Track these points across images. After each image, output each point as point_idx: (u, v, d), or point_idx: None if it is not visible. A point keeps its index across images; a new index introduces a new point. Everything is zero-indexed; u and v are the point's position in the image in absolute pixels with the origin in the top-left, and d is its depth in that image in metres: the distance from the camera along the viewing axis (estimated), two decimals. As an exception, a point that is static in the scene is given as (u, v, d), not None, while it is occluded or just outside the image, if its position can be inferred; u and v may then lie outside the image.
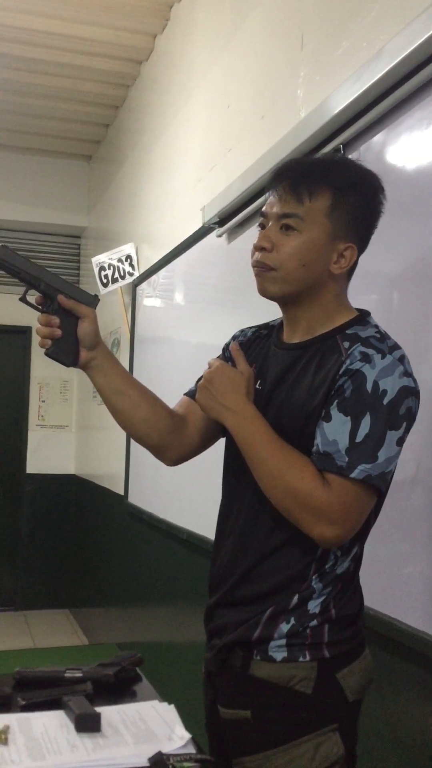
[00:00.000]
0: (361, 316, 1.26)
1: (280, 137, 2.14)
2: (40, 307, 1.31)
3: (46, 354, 1.30)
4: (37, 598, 5.62)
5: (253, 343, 1.38)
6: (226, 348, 1.43)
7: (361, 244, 1.25)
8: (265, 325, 1.40)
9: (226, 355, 1.39)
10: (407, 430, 1.18)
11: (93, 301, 1.32)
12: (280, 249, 1.22)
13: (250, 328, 1.42)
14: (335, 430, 1.14)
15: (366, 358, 1.15)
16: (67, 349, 1.30)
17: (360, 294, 1.67)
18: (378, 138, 1.73)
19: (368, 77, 1.65)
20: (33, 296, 1.32)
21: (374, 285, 1.70)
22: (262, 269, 1.24)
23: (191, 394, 1.42)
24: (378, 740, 1.64)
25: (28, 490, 5.68)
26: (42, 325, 1.30)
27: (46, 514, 5.70)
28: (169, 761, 1.00)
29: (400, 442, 1.17)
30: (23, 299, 1.32)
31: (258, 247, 1.24)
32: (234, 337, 1.42)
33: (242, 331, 1.43)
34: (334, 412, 1.15)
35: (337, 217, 1.21)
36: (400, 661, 1.59)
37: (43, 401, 5.72)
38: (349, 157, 1.81)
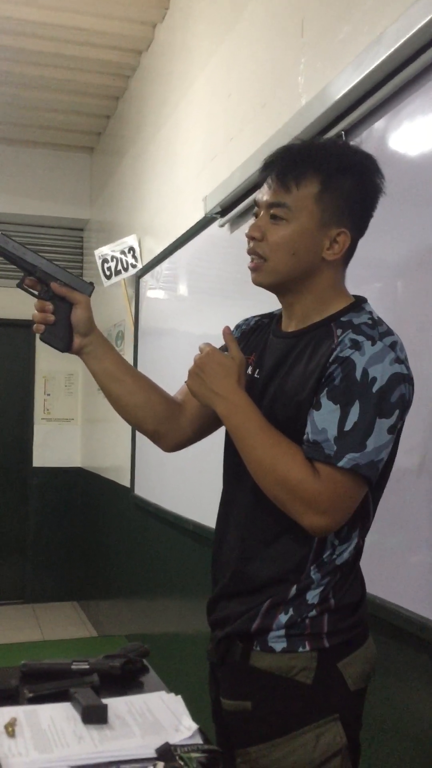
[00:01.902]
0: (356, 303, 1.25)
1: (282, 125, 2.13)
2: (36, 293, 1.34)
3: (40, 339, 1.34)
4: (45, 591, 5.64)
5: (255, 332, 1.38)
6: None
7: (357, 228, 1.23)
8: (268, 315, 1.40)
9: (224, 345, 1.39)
10: (401, 418, 1.17)
11: (87, 288, 1.35)
12: (269, 239, 1.21)
13: (254, 317, 1.42)
14: (324, 419, 1.14)
15: (356, 345, 1.14)
16: (60, 335, 1.33)
17: (364, 283, 1.66)
18: (380, 124, 1.72)
19: (369, 63, 1.64)
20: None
21: (378, 273, 1.69)
22: (253, 259, 1.24)
23: None
24: (383, 728, 1.64)
25: (35, 484, 5.69)
26: (37, 311, 1.33)
27: (53, 508, 5.72)
28: (177, 752, 1.00)
29: (392, 430, 1.15)
30: (20, 285, 1.35)
31: (249, 237, 1.24)
32: (237, 326, 1.42)
33: (246, 320, 1.42)
34: (324, 400, 1.14)
35: (326, 202, 1.19)
36: (406, 649, 1.59)
37: (49, 395, 5.73)
38: (350, 143, 1.80)
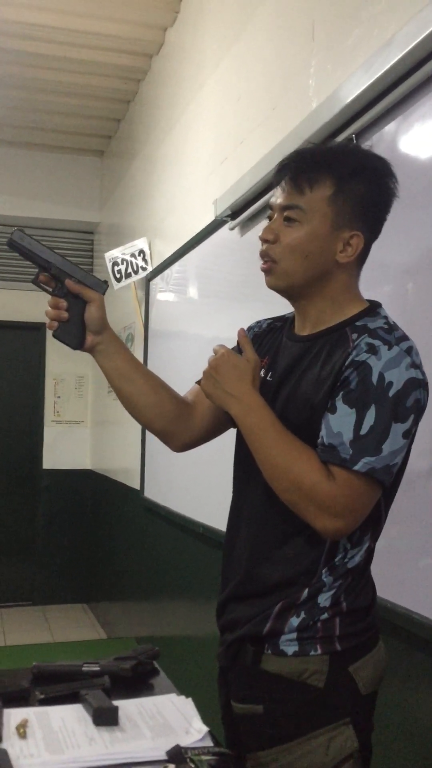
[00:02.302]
0: (371, 308, 1.24)
1: (292, 128, 2.13)
2: (50, 289, 1.34)
3: (53, 335, 1.34)
4: (55, 593, 5.66)
5: (268, 335, 1.38)
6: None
7: (370, 231, 1.23)
8: (281, 318, 1.40)
9: (239, 347, 1.39)
10: (416, 423, 1.17)
11: (101, 286, 1.35)
12: (283, 241, 1.22)
13: (266, 319, 1.42)
14: (340, 422, 1.14)
15: (372, 350, 1.14)
16: (73, 332, 1.34)
17: (374, 285, 1.65)
18: (390, 127, 1.71)
19: (380, 66, 1.63)
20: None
21: (388, 276, 1.69)
22: (266, 262, 1.24)
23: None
24: (394, 732, 1.64)
25: (45, 486, 5.71)
26: (51, 308, 1.33)
27: (62, 510, 5.73)
28: (187, 754, 1.00)
29: (407, 434, 1.15)
30: (35, 281, 1.36)
31: (262, 239, 1.24)
32: (249, 329, 1.42)
33: (258, 322, 1.43)
34: (339, 404, 1.14)
35: (339, 205, 1.19)
36: (417, 653, 1.59)
37: (59, 397, 5.74)
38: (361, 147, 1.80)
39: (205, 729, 1.08)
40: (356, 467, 1.12)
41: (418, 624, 1.53)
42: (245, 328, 1.37)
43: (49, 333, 6.06)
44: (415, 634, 1.55)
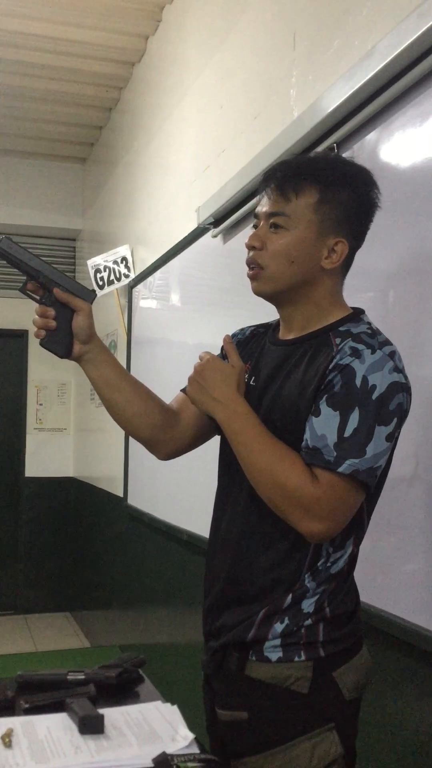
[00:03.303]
0: (355, 314, 1.26)
1: (274, 137, 2.15)
2: (38, 298, 1.34)
3: (41, 344, 1.34)
4: (38, 602, 5.62)
5: (251, 341, 1.39)
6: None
7: (355, 239, 1.25)
8: (264, 325, 1.41)
9: (223, 353, 1.40)
10: (398, 426, 1.18)
11: (89, 295, 1.35)
12: (269, 247, 1.23)
13: (249, 327, 1.43)
14: (324, 425, 1.14)
15: (356, 353, 1.15)
16: (60, 341, 1.34)
17: (357, 292, 1.67)
18: (371, 136, 1.73)
19: (361, 76, 1.65)
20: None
21: (370, 282, 1.70)
22: (253, 268, 1.26)
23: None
24: (379, 737, 1.65)
25: (27, 494, 5.68)
26: (38, 316, 1.33)
27: (45, 518, 5.70)
28: (173, 761, 1.00)
29: (390, 437, 1.16)
30: (22, 290, 1.36)
31: (249, 246, 1.26)
32: (233, 336, 1.43)
33: (241, 329, 1.44)
34: (323, 406, 1.15)
35: (325, 212, 1.21)
36: (401, 658, 1.60)
37: (41, 404, 5.72)
38: (343, 155, 1.82)
39: (191, 736, 1.08)
40: (340, 469, 1.13)
41: (402, 628, 1.54)
42: (230, 335, 1.38)
43: (31, 340, 6.03)
44: (399, 638, 1.56)
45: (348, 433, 1.13)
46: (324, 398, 1.15)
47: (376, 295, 1.70)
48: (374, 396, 1.13)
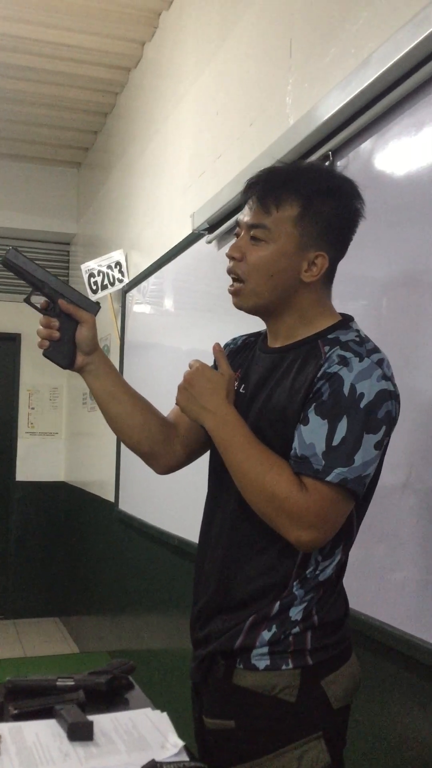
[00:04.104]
0: (343, 321, 1.26)
1: (269, 144, 2.15)
2: (43, 309, 1.36)
3: (44, 354, 1.36)
4: (27, 607, 5.59)
5: (242, 350, 1.39)
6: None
7: (335, 251, 1.25)
8: (256, 333, 1.41)
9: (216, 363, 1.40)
10: (387, 434, 1.18)
11: (93, 307, 1.37)
12: (249, 260, 1.23)
13: (242, 336, 1.43)
14: (312, 434, 1.14)
15: (344, 362, 1.15)
16: (63, 352, 1.35)
17: (349, 300, 1.68)
18: (366, 145, 1.74)
19: (356, 85, 1.66)
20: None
21: (363, 291, 1.71)
22: (234, 282, 1.26)
23: None
24: (368, 745, 1.64)
25: (18, 498, 5.66)
26: (42, 327, 1.34)
27: (35, 522, 5.68)
28: (163, 769, 0.99)
29: (379, 445, 1.16)
30: (27, 300, 1.39)
31: (229, 256, 1.26)
32: (226, 345, 1.43)
33: (234, 339, 1.44)
34: (312, 415, 1.15)
35: (305, 225, 1.21)
36: (391, 666, 1.59)
37: (33, 408, 5.70)
38: (337, 164, 1.82)
39: (180, 743, 1.08)
40: (328, 478, 1.12)
41: (392, 636, 1.54)
42: (222, 345, 1.38)
43: (24, 343, 6.02)
44: (389, 646, 1.56)
45: (336, 441, 1.13)
46: (312, 407, 1.15)
47: (370, 304, 1.70)
48: (362, 404, 1.13)
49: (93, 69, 4.06)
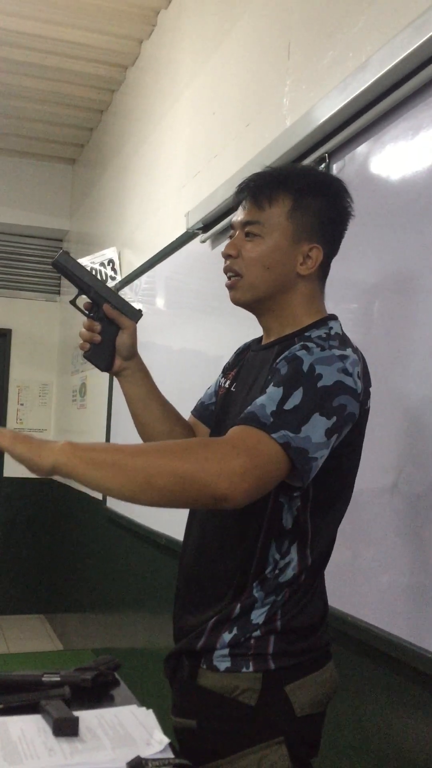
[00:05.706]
0: (323, 319, 1.25)
1: (265, 145, 2.16)
2: (87, 312, 1.40)
3: (84, 356, 1.40)
4: (12, 603, 5.57)
5: (243, 351, 1.42)
6: (226, 367, 1.44)
7: (329, 246, 1.26)
8: (259, 338, 1.42)
9: (227, 365, 1.44)
10: (339, 427, 1.11)
11: (136, 315, 1.41)
12: (244, 255, 1.25)
13: (249, 341, 1.44)
14: (265, 398, 1.09)
15: (305, 348, 1.13)
16: (103, 355, 1.40)
17: (342, 303, 1.68)
18: (363, 148, 1.75)
19: (354, 88, 1.67)
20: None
21: (356, 294, 1.71)
22: (231, 277, 1.27)
23: (196, 412, 1.47)
24: (353, 748, 1.65)
25: (5, 494, 5.64)
26: (85, 329, 1.38)
27: (22, 519, 5.66)
28: (148, 765, 0.99)
29: (330, 433, 1.09)
30: (73, 302, 1.43)
31: (225, 255, 1.27)
32: (235, 352, 1.45)
33: (243, 344, 1.45)
34: (269, 387, 1.11)
35: (298, 218, 1.23)
36: (377, 668, 1.60)
37: (22, 404, 5.69)
38: (333, 166, 1.83)
39: (165, 740, 1.08)
40: (274, 435, 1.05)
41: (379, 638, 1.55)
42: (233, 353, 1.41)
43: (14, 339, 5.98)
44: (376, 648, 1.57)
45: (288, 407, 1.07)
46: (271, 383, 1.12)
47: (361, 307, 1.71)
48: (319, 384, 1.09)
49: (90, 65, 4.06)
